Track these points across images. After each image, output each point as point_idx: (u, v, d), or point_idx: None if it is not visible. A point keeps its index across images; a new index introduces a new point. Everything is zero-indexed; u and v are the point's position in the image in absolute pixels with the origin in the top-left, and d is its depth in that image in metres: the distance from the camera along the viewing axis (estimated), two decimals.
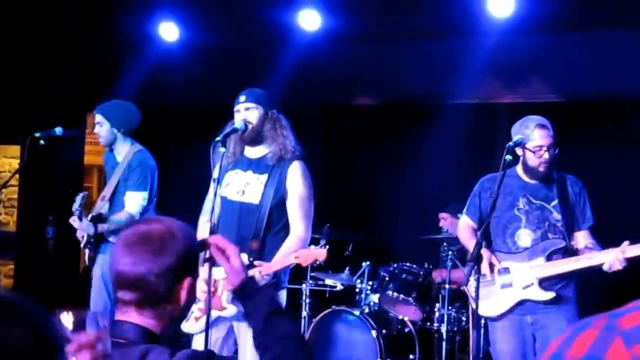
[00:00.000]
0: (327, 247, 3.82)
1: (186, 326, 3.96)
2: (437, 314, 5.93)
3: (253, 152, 4.10)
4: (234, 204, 4.06)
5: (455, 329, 5.88)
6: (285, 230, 3.99)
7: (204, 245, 2.18)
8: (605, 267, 3.86)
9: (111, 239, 5.04)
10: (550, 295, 4.00)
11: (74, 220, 4.90)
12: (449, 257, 5.87)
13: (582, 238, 4.18)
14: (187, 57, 7.31)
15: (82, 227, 4.91)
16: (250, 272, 3.74)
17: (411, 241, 6.60)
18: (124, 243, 1.95)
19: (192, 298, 2.01)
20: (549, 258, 4.04)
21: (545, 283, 4.04)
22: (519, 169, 4.24)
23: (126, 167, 5.11)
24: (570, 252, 4.09)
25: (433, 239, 6.41)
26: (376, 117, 7.51)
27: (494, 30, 6.23)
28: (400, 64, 7.19)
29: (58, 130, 5.12)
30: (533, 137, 4.05)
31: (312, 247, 3.90)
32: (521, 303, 4.06)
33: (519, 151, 4.11)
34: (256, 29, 6.82)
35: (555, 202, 4.14)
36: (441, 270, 6.12)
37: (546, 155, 4.05)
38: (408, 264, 6.08)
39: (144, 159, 5.16)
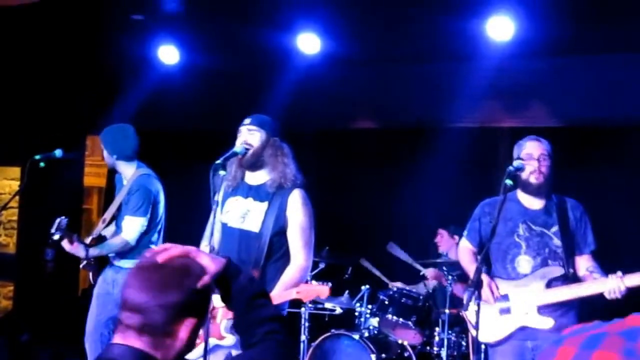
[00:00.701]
0: (330, 284, 3.78)
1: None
2: (436, 338, 5.91)
3: (253, 179, 4.09)
4: (234, 231, 4.04)
5: (455, 353, 5.86)
6: (285, 258, 3.97)
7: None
8: (605, 295, 3.83)
9: (116, 262, 5.05)
10: (549, 322, 3.96)
11: (65, 244, 4.87)
12: (448, 281, 5.87)
13: (583, 263, 4.14)
14: (187, 80, 7.36)
15: (73, 250, 4.87)
16: None
17: (410, 265, 6.59)
18: (139, 266, 1.95)
19: (193, 337, 1.97)
20: (548, 285, 4.01)
21: (544, 310, 4.00)
22: (519, 192, 4.22)
23: (127, 191, 5.10)
24: (570, 279, 4.06)
25: (432, 263, 6.42)
26: (376, 140, 7.55)
27: (493, 54, 6.28)
28: (400, 88, 7.23)
29: (58, 152, 5.14)
30: (525, 147, 4.10)
31: (314, 282, 3.87)
32: (521, 329, 4.03)
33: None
34: (256, 52, 6.87)
35: (555, 228, 4.12)
36: (434, 271, 6.27)
37: (536, 164, 4.04)
38: (407, 288, 6.10)
39: (144, 183, 5.10)
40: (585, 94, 6.48)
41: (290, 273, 3.91)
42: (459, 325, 5.93)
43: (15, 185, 8.05)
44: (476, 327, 3.66)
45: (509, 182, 3.77)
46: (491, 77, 6.55)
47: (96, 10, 6.05)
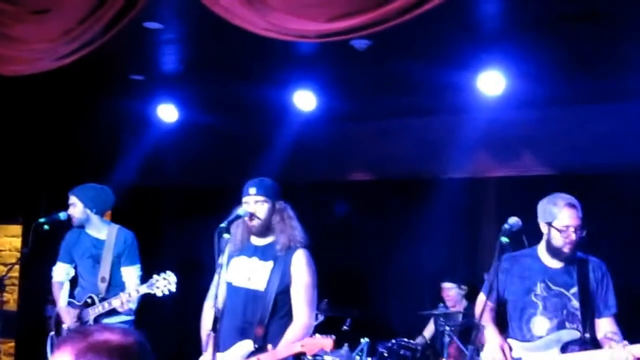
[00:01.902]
0: (334, 337, 3.82)
1: None
2: None
3: (259, 241, 4.17)
4: (239, 290, 4.11)
5: None
6: (288, 315, 4.04)
7: None
8: None
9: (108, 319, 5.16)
10: None
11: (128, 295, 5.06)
12: (446, 332, 5.92)
13: (603, 326, 3.95)
14: (185, 137, 7.48)
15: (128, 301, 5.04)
16: (254, 359, 3.81)
17: (406, 315, 6.63)
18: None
19: None
20: (563, 349, 3.83)
21: None
22: (540, 249, 4.07)
23: (120, 243, 5.30)
24: (588, 343, 3.86)
25: (429, 314, 6.46)
26: (370, 192, 7.64)
27: (485, 107, 6.42)
28: (394, 141, 7.36)
29: (63, 215, 5.31)
30: (561, 217, 3.90)
31: (318, 335, 3.91)
32: None
33: (543, 229, 3.99)
34: (253, 109, 7.00)
35: (574, 289, 3.94)
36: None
37: (573, 236, 3.88)
38: (405, 340, 6.16)
39: (132, 235, 5.41)
40: (572, 143, 6.62)
41: (295, 330, 3.97)
42: None
43: (15, 242, 8.11)
44: None
45: (504, 239, 3.65)
46: (482, 129, 6.68)
47: (97, 72, 6.16)
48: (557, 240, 3.91)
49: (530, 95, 6.30)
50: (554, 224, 3.90)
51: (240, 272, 4.14)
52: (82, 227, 5.42)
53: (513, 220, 3.79)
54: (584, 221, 3.93)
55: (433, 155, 7.15)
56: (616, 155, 6.44)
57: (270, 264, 4.07)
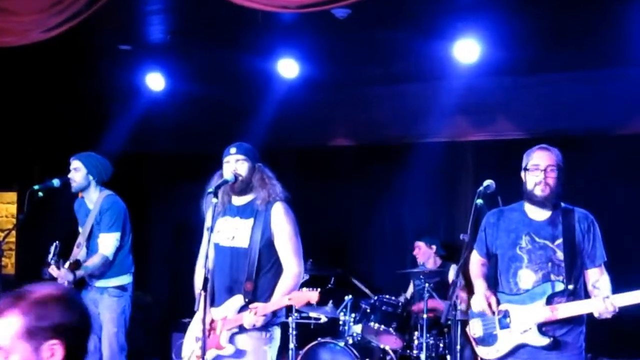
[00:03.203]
0: (319, 289, 3.95)
1: None
2: (416, 342, 6.21)
3: (240, 200, 4.28)
4: (225, 250, 4.23)
5: (434, 354, 6.15)
6: (275, 268, 4.15)
7: None
8: (595, 315, 3.70)
9: (96, 283, 5.35)
10: (546, 341, 3.78)
11: (52, 270, 5.15)
12: (425, 289, 6.14)
13: (591, 277, 3.93)
14: (173, 105, 7.60)
15: (62, 275, 5.11)
16: (246, 314, 3.99)
17: (389, 274, 6.86)
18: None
19: None
20: (549, 301, 3.81)
21: (545, 328, 3.82)
22: (525, 203, 4.03)
23: (97, 212, 5.39)
24: (573, 294, 3.83)
25: (410, 273, 6.70)
26: (352, 157, 7.80)
27: (460, 74, 6.57)
28: (374, 108, 7.51)
29: (56, 182, 5.40)
30: (532, 158, 3.91)
31: (305, 289, 4.06)
32: (521, 346, 3.86)
33: (523, 179, 3.96)
34: (238, 77, 7.10)
35: (559, 240, 3.89)
36: (419, 303, 6.41)
37: (542, 176, 3.84)
38: (387, 296, 6.36)
39: (114, 202, 5.46)
40: (545, 108, 6.80)
41: (286, 281, 4.07)
42: (436, 328, 6.25)
43: (11, 208, 8.27)
44: (454, 341, 3.89)
45: (479, 201, 3.80)
46: (459, 95, 6.84)
47: (85, 42, 6.24)
48: (530, 183, 3.90)
49: (505, 63, 6.42)
50: (526, 167, 3.92)
51: (225, 232, 4.24)
52: (81, 195, 5.52)
53: (487, 182, 3.93)
54: (559, 166, 3.89)
55: (412, 121, 7.29)
56: (585, 120, 6.64)
57: (251, 221, 4.17)
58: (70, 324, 1.90)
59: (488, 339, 3.95)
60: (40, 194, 5.32)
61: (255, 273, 4.10)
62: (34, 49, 5.34)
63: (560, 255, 3.86)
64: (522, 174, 3.97)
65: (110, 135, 7.35)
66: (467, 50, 6.17)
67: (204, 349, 3.85)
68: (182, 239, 7.99)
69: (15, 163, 7.64)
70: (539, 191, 3.87)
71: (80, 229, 5.57)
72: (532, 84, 6.85)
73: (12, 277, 7.93)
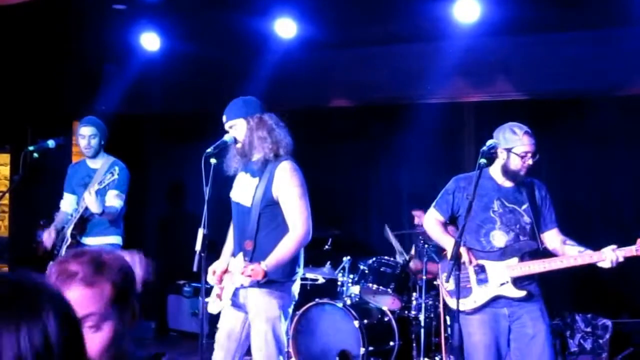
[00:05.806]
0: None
1: (212, 307, 4.22)
2: (414, 303, 6.27)
3: (253, 157, 4.20)
4: (236, 206, 4.25)
5: (432, 315, 6.20)
6: (279, 229, 4.07)
7: None
8: (606, 265, 4.00)
9: (86, 240, 5.40)
10: (522, 293, 4.18)
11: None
12: (425, 250, 6.15)
13: (553, 237, 4.34)
14: (168, 65, 7.50)
15: (91, 201, 5.17)
16: (238, 273, 3.99)
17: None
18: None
19: None
20: (522, 259, 4.21)
21: (518, 282, 4.20)
22: (492, 170, 4.37)
23: (108, 171, 5.39)
24: (540, 253, 4.26)
25: (409, 234, 6.71)
26: (351, 118, 7.78)
27: (460, 34, 6.51)
28: (373, 68, 7.44)
29: (51, 143, 5.33)
30: (523, 143, 4.19)
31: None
32: (497, 298, 4.22)
33: (502, 154, 4.26)
34: (235, 37, 7.00)
35: (525, 205, 4.28)
36: (416, 262, 6.42)
37: (530, 162, 4.21)
38: (386, 257, 6.38)
39: (124, 167, 5.56)
40: (546, 69, 6.75)
41: (285, 242, 4.02)
42: (434, 289, 6.27)
43: (4, 170, 8.22)
44: (457, 295, 3.91)
45: (483, 161, 3.95)
46: (458, 56, 6.79)
47: (79, 1, 6.17)
48: (516, 164, 4.23)
49: (504, 23, 6.37)
50: (514, 150, 4.21)
51: (237, 188, 4.26)
52: (88, 159, 5.60)
53: (491, 142, 4.14)
54: (537, 148, 4.25)
55: (411, 81, 7.24)
56: (585, 80, 6.61)
57: (256, 180, 4.13)
58: (134, 283, 1.99)
59: (462, 291, 4.15)
60: (36, 155, 5.27)
61: (256, 232, 4.09)
62: (27, 8, 5.26)
63: (527, 218, 4.28)
64: (505, 153, 4.25)
65: (105, 96, 7.29)
66: (467, 10, 6.13)
67: (202, 313, 3.88)
68: (177, 200, 7.99)
69: (7, 124, 7.56)
70: (523, 172, 4.26)
71: (65, 195, 5.66)
72: (532, 44, 6.80)
73: (6, 239, 7.92)
